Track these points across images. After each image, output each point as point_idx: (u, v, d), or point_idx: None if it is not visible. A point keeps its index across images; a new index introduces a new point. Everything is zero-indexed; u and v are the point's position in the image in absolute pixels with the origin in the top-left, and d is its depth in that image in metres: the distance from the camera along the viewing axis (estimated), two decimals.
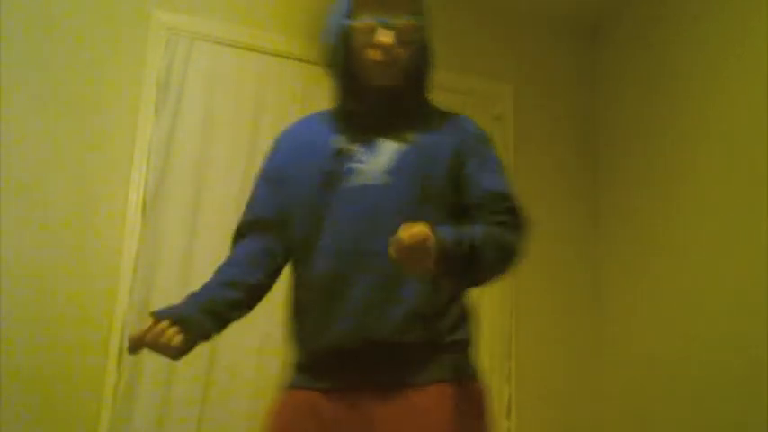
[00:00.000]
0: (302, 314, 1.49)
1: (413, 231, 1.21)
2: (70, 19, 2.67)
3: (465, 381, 1.44)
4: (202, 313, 1.44)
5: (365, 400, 1.38)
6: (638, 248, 3.03)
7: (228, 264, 1.56)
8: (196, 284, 2.59)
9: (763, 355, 2.37)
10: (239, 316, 1.52)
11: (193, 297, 1.48)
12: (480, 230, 1.40)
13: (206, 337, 1.45)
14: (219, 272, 1.55)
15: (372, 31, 1.46)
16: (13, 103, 2.54)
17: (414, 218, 1.34)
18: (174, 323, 1.39)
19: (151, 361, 2.50)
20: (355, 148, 1.49)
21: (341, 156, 1.48)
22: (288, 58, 2.94)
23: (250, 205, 1.61)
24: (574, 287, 3.21)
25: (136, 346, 1.38)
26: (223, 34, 2.86)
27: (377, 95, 1.52)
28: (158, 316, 1.40)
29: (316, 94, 2.94)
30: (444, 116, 1.59)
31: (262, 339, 2.64)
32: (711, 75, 2.78)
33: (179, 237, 2.63)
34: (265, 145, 2.79)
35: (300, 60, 2.95)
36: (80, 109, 2.63)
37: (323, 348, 1.42)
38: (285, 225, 1.54)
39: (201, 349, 2.57)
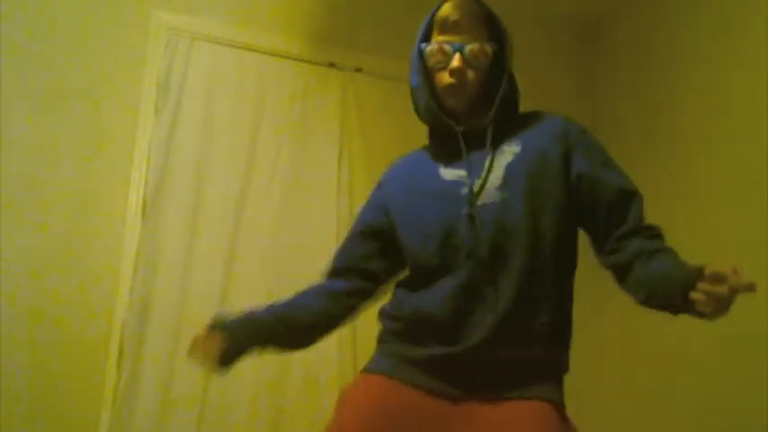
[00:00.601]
0: (425, 323, 1.48)
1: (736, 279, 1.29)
2: (70, 19, 2.67)
3: (562, 406, 1.47)
4: (253, 323, 1.56)
5: (471, 407, 1.41)
6: None
7: (305, 292, 1.66)
8: (196, 284, 2.62)
9: (764, 355, 2.38)
10: (297, 336, 1.62)
11: (254, 310, 1.59)
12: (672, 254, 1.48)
13: (243, 349, 1.54)
14: (295, 297, 1.65)
15: (444, 54, 1.52)
16: (13, 103, 2.54)
17: (536, 229, 1.44)
18: (218, 331, 1.50)
19: (151, 361, 2.50)
20: (463, 174, 1.51)
21: (454, 185, 1.51)
22: (288, 58, 2.94)
23: (344, 250, 1.69)
24: (574, 287, 3.20)
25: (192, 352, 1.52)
26: (223, 34, 2.86)
27: (460, 118, 1.56)
28: (213, 325, 1.53)
29: (316, 94, 2.94)
30: (535, 117, 1.61)
31: None
32: (711, 74, 2.78)
33: (179, 237, 2.63)
34: (265, 145, 2.83)
35: (300, 60, 2.96)
36: (80, 109, 2.63)
37: (447, 355, 1.44)
38: (383, 266, 1.64)
39: None
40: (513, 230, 1.44)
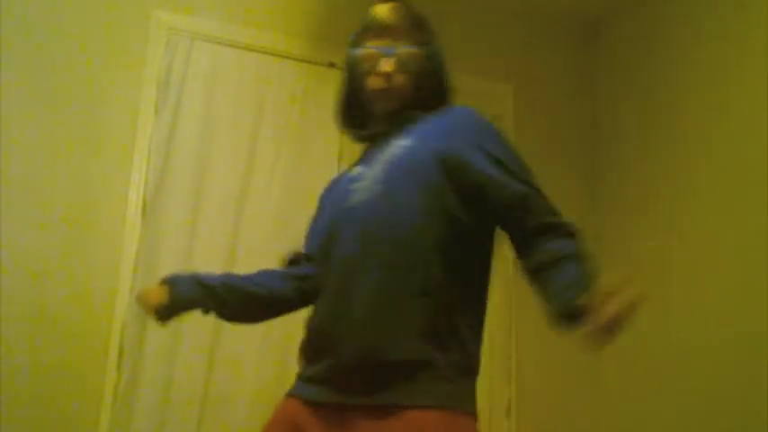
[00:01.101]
0: (309, 328, 1.50)
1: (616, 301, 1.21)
2: (70, 19, 2.67)
3: (459, 414, 1.33)
4: (197, 284, 1.55)
5: (353, 416, 1.33)
6: (638, 246, 3.03)
7: (266, 271, 1.65)
8: None
9: (764, 355, 2.38)
10: (241, 305, 1.57)
11: (208, 274, 1.59)
12: (581, 262, 1.43)
13: (188, 305, 1.53)
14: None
15: (373, 59, 1.52)
16: (13, 104, 2.54)
17: (412, 223, 1.35)
18: (165, 284, 1.52)
19: (151, 361, 2.50)
20: (359, 170, 1.52)
21: (350, 180, 1.51)
22: (288, 58, 2.94)
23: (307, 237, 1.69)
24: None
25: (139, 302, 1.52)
26: (223, 34, 2.86)
27: (381, 121, 1.56)
28: (164, 279, 1.54)
29: (316, 94, 2.94)
30: (444, 112, 1.56)
31: (262, 339, 2.64)
32: (711, 74, 2.78)
33: (179, 237, 2.63)
34: (265, 145, 2.83)
35: (300, 60, 2.96)
36: (80, 109, 2.63)
37: (323, 363, 1.40)
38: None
39: (201, 349, 2.59)
40: (381, 225, 1.38)
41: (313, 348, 1.46)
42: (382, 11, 1.55)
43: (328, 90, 2.97)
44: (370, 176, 1.46)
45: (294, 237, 2.78)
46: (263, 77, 2.88)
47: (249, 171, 2.78)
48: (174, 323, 2.56)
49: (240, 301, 1.56)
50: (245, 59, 2.88)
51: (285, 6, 3.01)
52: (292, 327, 2.69)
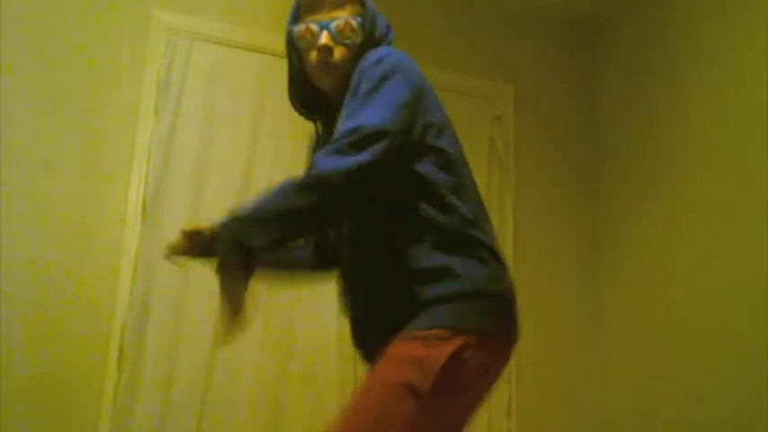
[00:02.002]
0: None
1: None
2: (70, 19, 2.67)
3: (431, 330, 1.33)
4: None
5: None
6: (639, 248, 3.03)
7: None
8: (196, 284, 2.62)
9: (764, 355, 2.37)
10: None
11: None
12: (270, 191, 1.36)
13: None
14: None
15: (311, 34, 1.52)
16: (13, 104, 2.54)
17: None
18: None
19: (151, 361, 2.50)
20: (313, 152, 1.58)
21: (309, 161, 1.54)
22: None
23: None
24: (574, 287, 3.21)
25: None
26: (223, 34, 2.86)
27: (329, 96, 1.56)
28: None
29: None
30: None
31: (262, 339, 2.64)
32: (712, 74, 2.78)
33: None
34: (265, 145, 2.83)
35: None
36: (80, 109, 2.63)
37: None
38: None
39: (201, 349, 2.59)
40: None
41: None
42: None
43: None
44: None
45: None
46: (263, 77, 2.88)
47: (249, 171, 2.78)
48: (173, 323, 2.57)
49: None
50: (245, 59, 2.87)
51: (285, 7, 2.98)
52: (292, 327, 2.71)
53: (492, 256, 1.43)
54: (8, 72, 2.55)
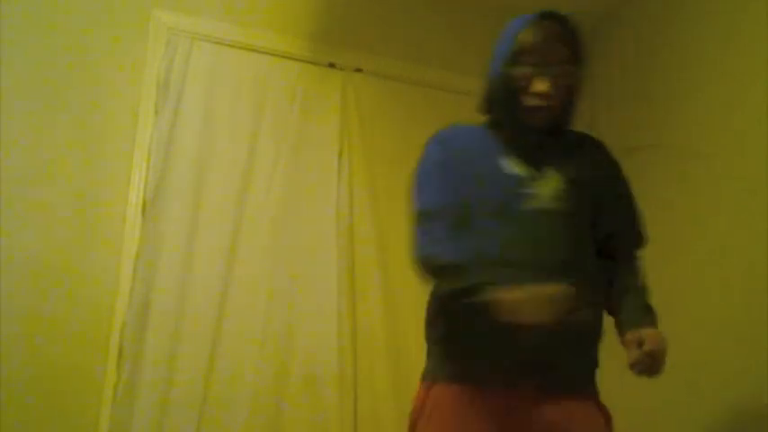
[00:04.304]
0: (475, 320, 1.54)
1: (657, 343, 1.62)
2: (70, 19, 2.67)
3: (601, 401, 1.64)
4: None
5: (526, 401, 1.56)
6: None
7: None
8: (196, 284, 2.62)
9: (764, 354, 2.38)
10: None
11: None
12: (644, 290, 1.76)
13: None
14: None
15: (530, 79, 1.61)
16: (13, 104, 2.54)
17: (580, 241, 1.62)
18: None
19: (151, 361, 2.50)
20: (526, 174, 1.63)
21: (515, 179, 1.62)
22: (288, 58, 2.94)
23: (433, 190, 1.66)
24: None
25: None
26: (223, 34, 2.86)
27: (536, 133, 1.67)
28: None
29: (316, 94, 2.94)
30: (588, 143, 1.79)
31: (262, 340, 2.64)
32: (711, 74, 2.78)
33: (179, 237, 2.62)
34: (265, 145, 2.83)
35: (300, 60, 2.95)
36: (80, 109, 2.63)
37: (497, 356, 1.56)
38: (465, 216, 1.62)
39: (201, 349, 2.58)
40: (557, 236, 1.60)
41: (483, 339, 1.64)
42: (537, 28, 1.62)
43: (328, 90, 2.98)
44: (546, 188, 1.62)
45: (294, 236, 2.80)
46: (263, 77, 2.88)
47: (249, 171, 2.78)
48: (173, 323, 2.57)
49: None
50: (245, 59, 2.87)
51: (285, 6, 3.01)
52: (292, 326, 2.71)
53: None
54: (8, 72, 2.55)
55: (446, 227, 1.60)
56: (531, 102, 1.62)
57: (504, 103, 1.66)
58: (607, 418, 1.62)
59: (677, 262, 2.83)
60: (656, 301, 2.94)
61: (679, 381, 2.74)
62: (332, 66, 3.01)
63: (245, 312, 2.65)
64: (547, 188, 1.62)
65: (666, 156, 2.96)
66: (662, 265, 2.89)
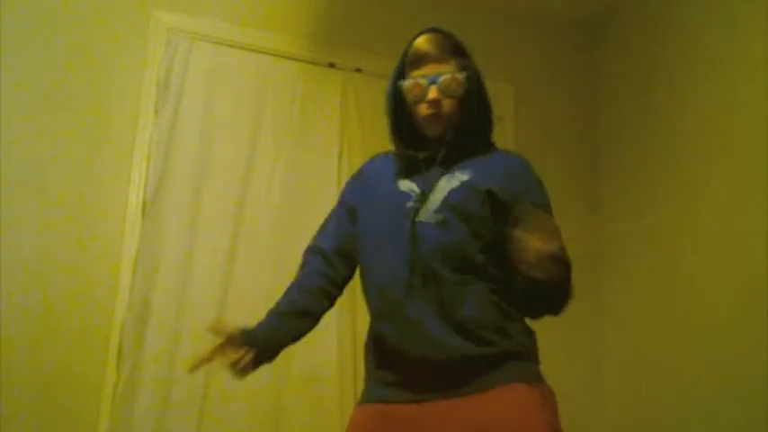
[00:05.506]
0: (378, 339, 1.66)
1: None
2: (70, 19, 2.67)
3: (535, 383, 1.58)
4: (273, 340, 1.69)
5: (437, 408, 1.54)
6: (640, 248, 3.03)
7: (300, 289, 1.77)
8: (196, 284, 2.62)
9: (764, 354, 2.38)
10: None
11: (270, 322, 1.70)
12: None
13: (269, 360, 1.70)
14: (292, 296, 1.76)
15: (420, 88, 1.67)
16: (13, 103, 2.54)
17: (463, 252, 1.57)
18: (249, 347, 1.63)
19: (151, 361, 2.50)
20: (415, 189, 1.66)
21: (404, 197, 1.66)
22: (288, 58, 2.94)
23: (324, 231, 1.85)
24: (574, 286, 3.21)
25: (203, 363, 1.62)
26: (223, 34, 2.86)
27: (433, 143, 1.70)
28: (240, 338, 1.62)
29: (316, 94, 2.94)
30: (498, 156, 1.75)
31: None
32: (711, 74, 2.78)
33: (179, 237, 2.62)
34: (265, 145, 2.83)
35: (300, 60, 2.96)
36: (80, 109, 2.63)
37: (399, 366, 1.59)
38: (350, 256, 1.77)
39: (201, 349, 2.58)
40: (438, 249, 1.59)
41: (385, 354, 1.68)
42: (421, 41, 1.69)
43: (328, 90, 2.98)
44: (430, 203, 1.63)
45: (294, 236, 2.80)
46: (263, 77, 2.88)
47: (249, 171, 2.78)
48: (173, 323, 2.57)
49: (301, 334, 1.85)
50: (245, 59, 2.88)
51: (285, 6, 3.01)
52: None
53: None
54: (8, 72, 2.55)
55: (309, 270, 1.78)
56: (424, 110, 1.67)
57: (394, 119, 1.73)
58: (537, 399, 1.56)
59: (679, 261, 2.83)
60: (655, 301, 2.96)
61: (679, 381, 2.74)
62: (332, 66, 3.01)
63: (245, 312, 2.64)
64: (432, 202, 1.63)
65: (666, 155, 2.96)
66: (662, 265, 2.90)
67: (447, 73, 1.66)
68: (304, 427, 2.61)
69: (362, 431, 1.61)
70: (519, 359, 1.58)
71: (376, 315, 1.67)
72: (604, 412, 3.07)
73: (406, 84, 1.69)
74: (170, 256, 2.60)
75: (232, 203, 2.72)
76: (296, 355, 2.67)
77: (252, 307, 2.65)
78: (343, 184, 2.86)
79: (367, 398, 1.66)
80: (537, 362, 1.66)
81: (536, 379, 1.60)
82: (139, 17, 2.77)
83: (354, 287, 2.96)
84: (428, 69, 1.67)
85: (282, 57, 2.94)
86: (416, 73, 1.69)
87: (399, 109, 1.74)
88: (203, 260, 2.64)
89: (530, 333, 1.66)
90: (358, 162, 2.91)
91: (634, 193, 3.11)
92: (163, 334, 2.53)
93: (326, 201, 2.85)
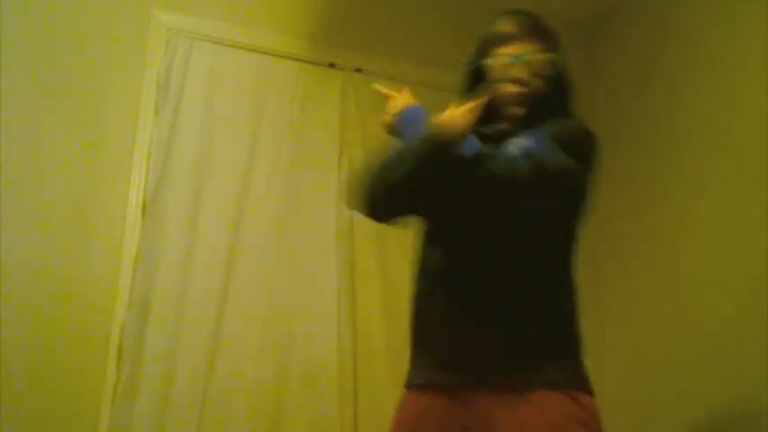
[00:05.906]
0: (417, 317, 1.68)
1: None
2: (70, 19, 2.67)
3: (575, 392, 1.62)
4: None
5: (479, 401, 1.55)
6: (638, 245, 3.03)
7: None
8: (196, 284, 2.62)
9: (764, 354, 2.38)
10: None
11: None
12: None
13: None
14: None
15: (506, 66, 1.67)
16: (13, 103, 2.54)
17: (512, 235, 1.59)
18: None
19: (151, 361, 2.50)
20: None
21: None
22: (288, 58, 2.94)
23: None
24: (575, 285, 3.20)
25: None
26: (223, 34, 2.86)
27: (511, 123, 1.68)
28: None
29: (316, 94, 2.94)
30: (553, 122, 1.66)
31: (262, 339, 2.64)
32: (711, 74, 2.78)
33: (179, 237, 2.62)
34: (265, 145, 2.83)
35: (300, 60, 2.96)
36: (80, 109, 2.63)
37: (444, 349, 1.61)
38: None
39: (201, 349, 2.58)
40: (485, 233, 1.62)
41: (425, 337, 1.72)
42: (506, 21, 1.72)
43: (328, 90, 2.98)
44: None
45: (294, 236, 2.80)
46: (263, 77, 2.88)
47: (249, 171, 2.78)
48: (173, 323, 2.57)
49: None
50: (245, 59, 2.88)
51: (285, 6, 3.01)
52: (292, 326, 2.71)
53: None
54: (8, 72, 2.55)
55: None
56: (509, 89, 1.67)
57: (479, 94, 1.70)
58: (566, 412, 1.56)
59: (679, 261, 2.83)
60: (655, 301, 2.96)
61: (679, 380, 2.74)
62: (332, 66, 3.01)
63: (245, 312, 2.65)
64: None
65: (666, 155, 2.96)
66: (662, 265, 2.90)
67: (533, 53, 1.68)
68: (304, 427, 2.61)
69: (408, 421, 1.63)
70: (557, 356, 1.61)
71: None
72: (604, 412, 3.06)
73: (492, 61, 1.70)
74: (170, 256, 2.60)
75: (232, 203, 2.72)
76: (296, 355, 2.67)
77: (252, 307, 2.66)
78: (342, 189, 2.92)
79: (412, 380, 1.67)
80: (578, 356, 1.68)
81: (580, 387, 1.65)
82: (139, 17, 2.76)
83: (354, 288, 2.96)
84: (513, 49, 1.68)
85: (282, 57, 2.94)
86: (502, 51, 1.69)
87: (470, 90, 1.73)
88: (203, 260, 2.64)
89: (572, 319, 1.69)
90: (358, 162, 2.92)
91: (634, 193, 3.11)
92: (163, 334, 2.53)
93: (326, 201, 2.86)
